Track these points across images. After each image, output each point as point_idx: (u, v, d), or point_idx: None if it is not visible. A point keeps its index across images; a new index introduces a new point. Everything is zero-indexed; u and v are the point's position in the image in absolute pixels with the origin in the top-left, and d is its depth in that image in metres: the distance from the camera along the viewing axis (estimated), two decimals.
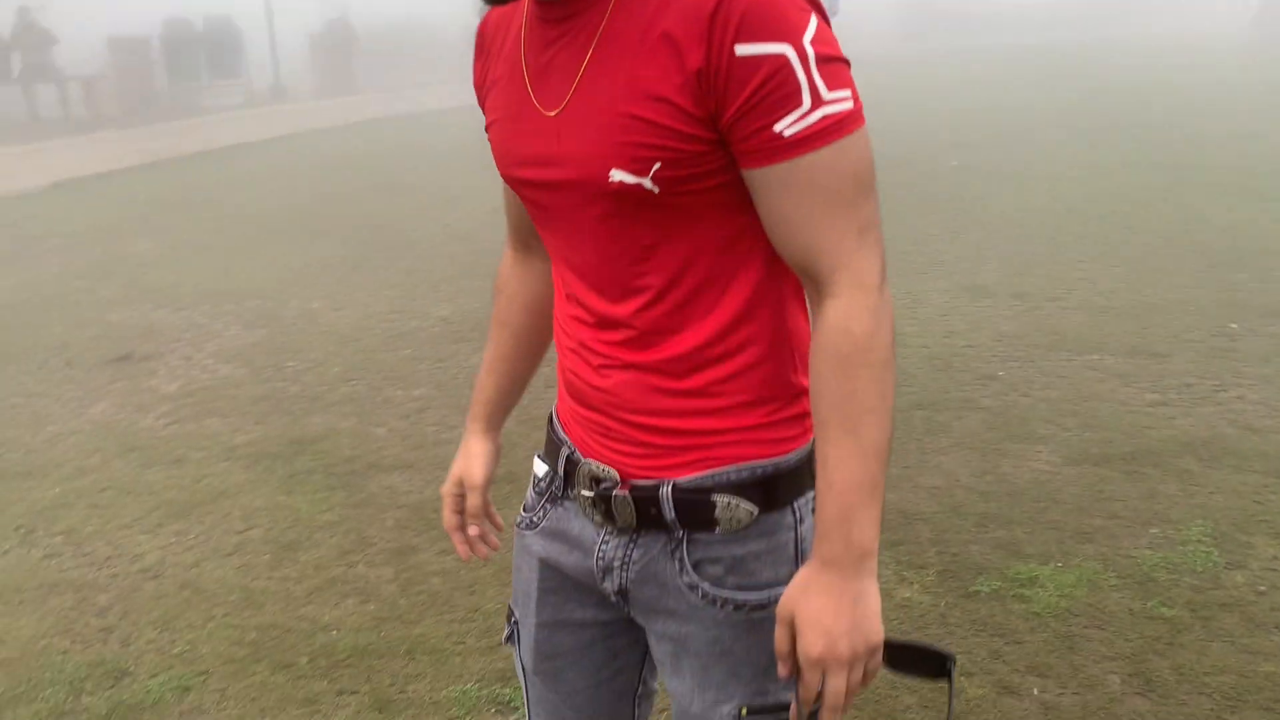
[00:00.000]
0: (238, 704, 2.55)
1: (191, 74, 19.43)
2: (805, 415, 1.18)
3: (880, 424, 1.07)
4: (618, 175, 1.06)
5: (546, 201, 1.17)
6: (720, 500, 1.16)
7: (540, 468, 1.34)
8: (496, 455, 1.50)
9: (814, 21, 1.01)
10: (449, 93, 15.68)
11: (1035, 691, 2.49)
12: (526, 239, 1.43)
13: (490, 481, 1.49)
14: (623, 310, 1.15)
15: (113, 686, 2.63)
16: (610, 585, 1.25)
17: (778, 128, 1.01)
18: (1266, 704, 2.41)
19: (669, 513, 1.17)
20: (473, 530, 1.48)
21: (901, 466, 3.69)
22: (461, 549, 1.49)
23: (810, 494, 1.19)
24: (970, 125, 12.26)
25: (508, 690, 2.55)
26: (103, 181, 10.76)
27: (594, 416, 1.22)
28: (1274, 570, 2.95)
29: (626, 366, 1.17)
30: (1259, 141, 10.17)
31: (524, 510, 1.37)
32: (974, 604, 2.86)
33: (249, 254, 7.47)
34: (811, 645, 1.06)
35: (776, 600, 1.13)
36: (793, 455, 1.18)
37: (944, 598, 2.89)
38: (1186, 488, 3.47)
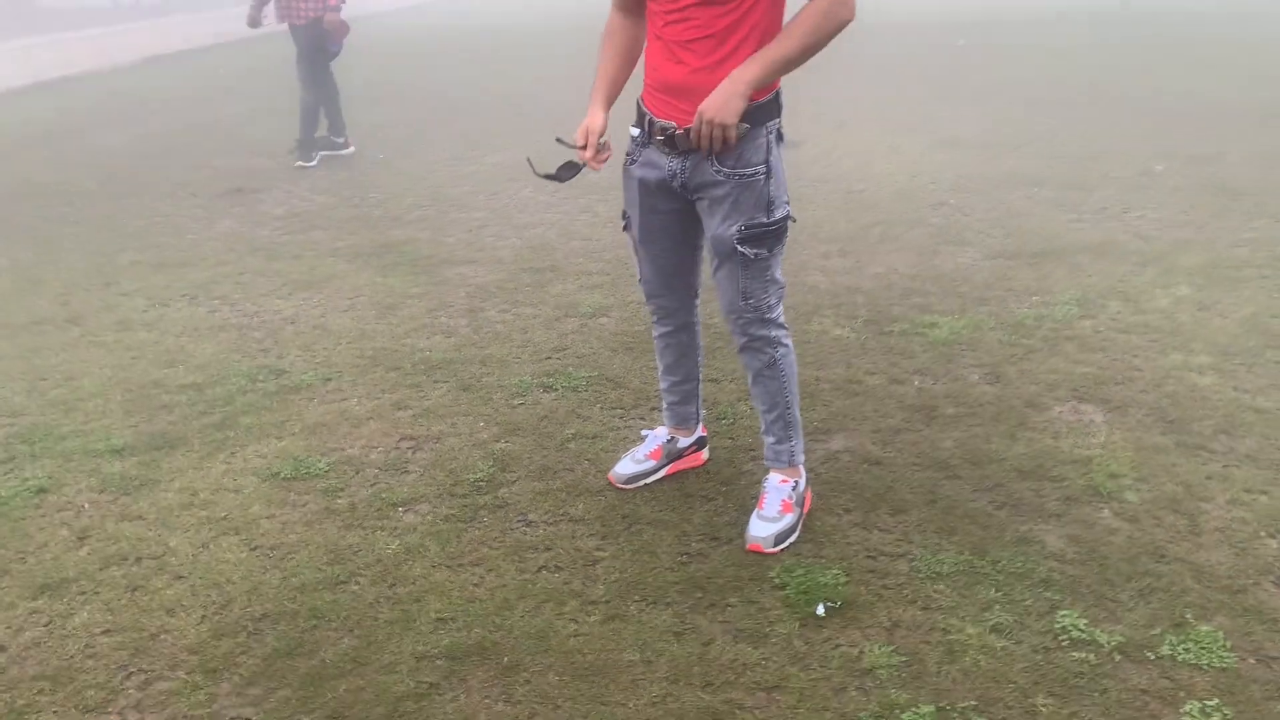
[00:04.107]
0: (365, 387, 3.71)
1: None
2: (774, 86, 2.36)
3: (802, 45, 2.20)
4: None
5: None
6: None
7: (634, 130, 2.53)
8: (606, 119, 2.56)
9: None
10: None
11: (916, 383, 3.58)
12: (629, 6, 2.54)
13: (604, 130, 2.54)
14: (698, 54, 2.32)
15: (277, 378, 3.80)
16: (677, 183, 2.48)
17: None
18: (1075, 385, 3.48)
19: None
20: (592, 152, 2.52)
21: (854, 261, 4.76)
22: (594, 164, 2.55)
23: (773, 122, 2.39)
24: (984, 9, 12.89)
25: (550, 379, 3.68)
26: (186, 57, 11.82)
27: (668, 98, 2.40)
28: (1115, 320, 3.99)
29: (693, 73, 2.33)
30: (1240, 24, 10.80)
31: (627, 155, 2.57)
32: (887, 338, 3.94)
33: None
34: (702, 109, 2.26)
35: (760, 173, 2.39)
36: (765, 99, 2.34)
37: (865, 334, 3.97)
38: (1073, 273, 4.49)
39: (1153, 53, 9.57)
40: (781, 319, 2.65)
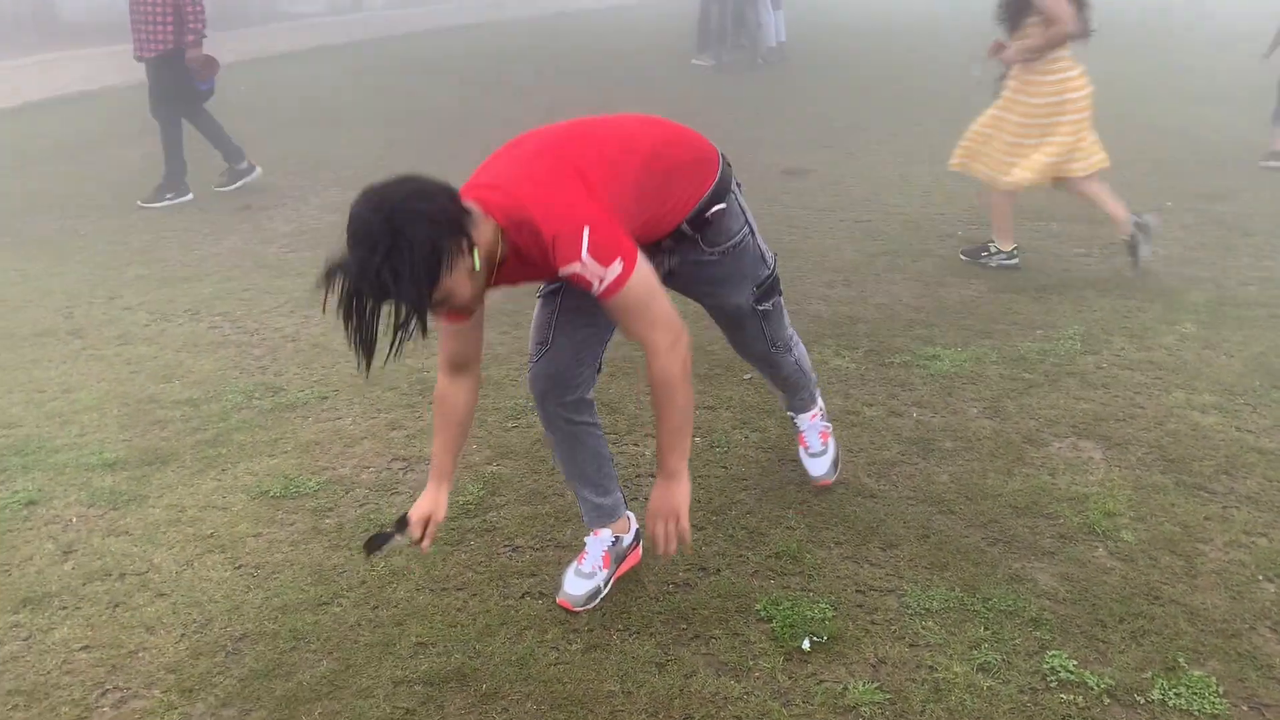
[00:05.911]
0: (361, 406, 3.70)
1: None
2: (712, 177, 2.39)
3: (680, 410, 2.16)
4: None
5: None
6: (710, 210, 2.36)
7: None
8: (446, 498, 2.40)
9: (586, 232, 1.99)
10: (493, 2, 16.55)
11: (914, 415, 3.55)
12: (458, 367, 2.40)
13: (445, 516, 2.40)
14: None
15: (273, 395, 3.79)
16: (663, 271, 2.36)
17: (593, 292, 2.06)
18: (1074, 422, 3.44)
19: (689, 231, 2.37)
20: (429, 543, 2.38)
21: (858, 291, 4.73)
22: (425, 547, 2.41)
23: (733, 184, 2.44)
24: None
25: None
26: None
27: None
28: (1119, 356, 3.95)
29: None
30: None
31: None
32: (887, 369, 3.90)
33: (338, 135, 8.58)
34: (650, 514, 2.24)
35: (746, 234, 2.47)
36: (711, 188, 2.36)
37: (865, 365, 3.94)
38: (1077, 307, 4.46)
39: (1164, 80, 9.55)
40: (794, 334, 2.85)
